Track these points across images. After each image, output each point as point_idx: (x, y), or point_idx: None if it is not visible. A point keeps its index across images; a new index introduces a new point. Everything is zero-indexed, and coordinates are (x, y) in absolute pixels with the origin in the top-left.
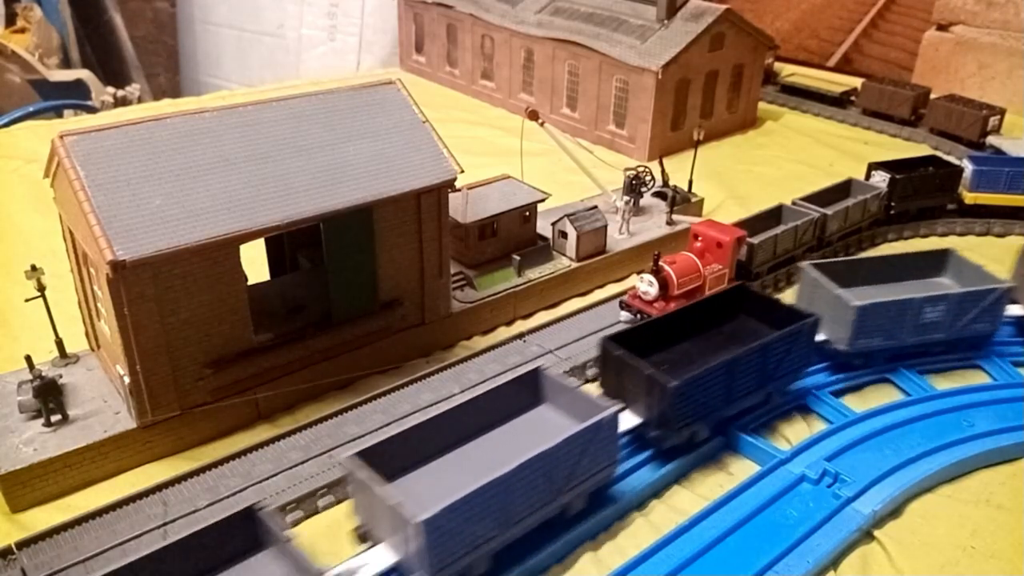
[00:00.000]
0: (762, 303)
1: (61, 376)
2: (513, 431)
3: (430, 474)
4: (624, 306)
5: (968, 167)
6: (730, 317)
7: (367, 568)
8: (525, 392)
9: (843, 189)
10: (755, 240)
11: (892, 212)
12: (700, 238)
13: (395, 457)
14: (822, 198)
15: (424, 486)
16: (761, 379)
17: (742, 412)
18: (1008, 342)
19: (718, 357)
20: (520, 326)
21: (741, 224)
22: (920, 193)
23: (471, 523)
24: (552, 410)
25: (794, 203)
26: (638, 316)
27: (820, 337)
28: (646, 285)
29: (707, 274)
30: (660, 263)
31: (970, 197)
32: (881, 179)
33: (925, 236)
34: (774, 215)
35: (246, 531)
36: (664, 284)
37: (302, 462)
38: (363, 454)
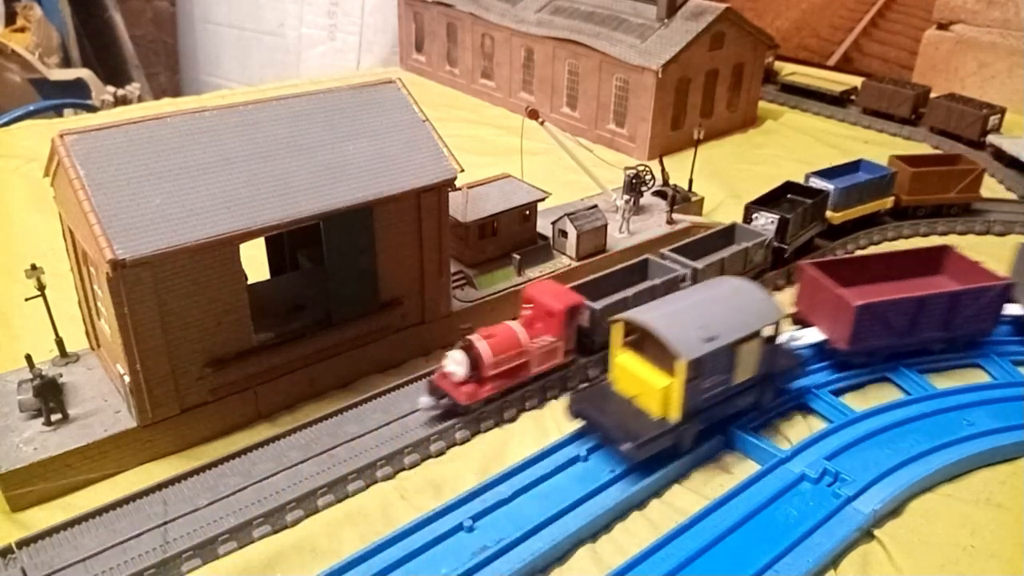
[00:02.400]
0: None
1: (61, 375)
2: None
3: None
4: (431, 388)
5: (829, 188)
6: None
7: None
8: None
9: (726, 235)
10: (598, 305)
11: (787, 256)
12: (531, 304)
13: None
14: (698, 248)
15: None
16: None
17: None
18: (1005, 341)
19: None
20: None
21: (598, 281)
22: (804, 227)
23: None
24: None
25: (663, 255)
26: (442, 401)
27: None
28: (453, 364)
29: (533, 348)
30: (471, 337)
31: (836, 217)
32: (766, 221)
33: (926, 235)
34: (640, 269)
35: None
36: (475, 363)
37: (302, 461)
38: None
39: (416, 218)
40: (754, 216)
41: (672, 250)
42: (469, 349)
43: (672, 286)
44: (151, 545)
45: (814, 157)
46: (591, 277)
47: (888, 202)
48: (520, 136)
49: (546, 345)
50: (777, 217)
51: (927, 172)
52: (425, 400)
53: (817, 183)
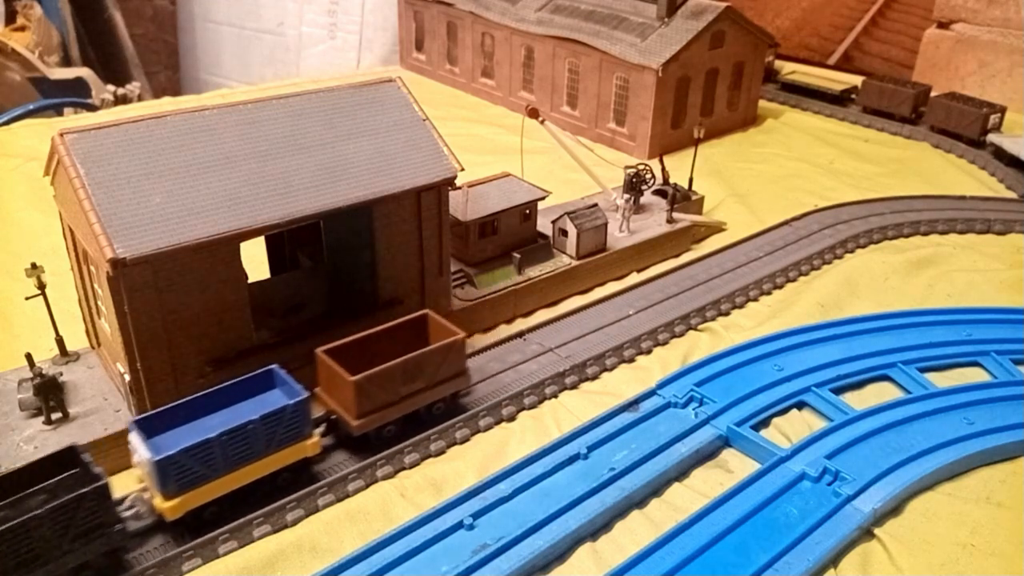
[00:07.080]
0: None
1: (61, 374)
2: None
3: None
4: None
5: (144, 457)
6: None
7: None
8: None
9: None
10: None
11: None
12: None
13: None
14: None
15: None
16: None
17: None
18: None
19: None
20: (520, 324)
21: None
22: None
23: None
24: None
25: None
26: None
27: None
28: None
29: None
30: None
31: (169, 508)
32: None
33: (926, 234)
34: None
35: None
36: None
37: None
38: None
39: (416, 217)
40: None
41: None
42: None
43: None
44: (152, 544)
45: (815, 156)
46: None
47: (308, 446)
48: (520, 135)
49: None
50: None
51: (380, 374)
52: None
53: (135, 443)
